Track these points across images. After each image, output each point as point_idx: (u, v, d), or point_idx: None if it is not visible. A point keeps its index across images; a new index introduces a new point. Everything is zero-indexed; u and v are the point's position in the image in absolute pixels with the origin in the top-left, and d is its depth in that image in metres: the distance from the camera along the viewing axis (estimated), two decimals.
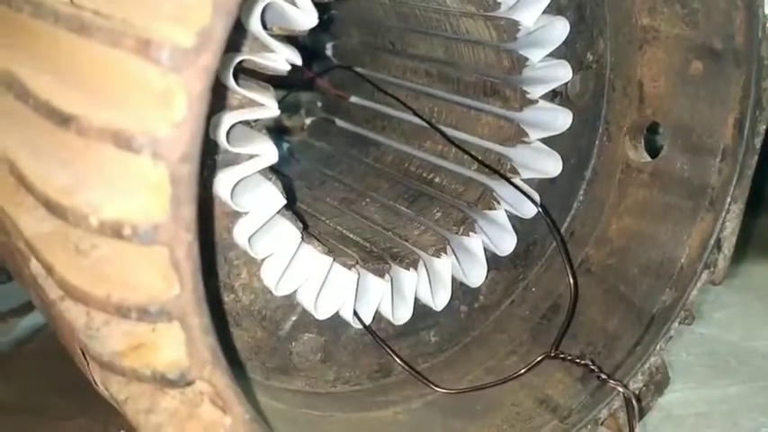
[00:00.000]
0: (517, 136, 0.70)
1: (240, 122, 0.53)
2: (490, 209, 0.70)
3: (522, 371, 0.66)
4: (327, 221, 0.73)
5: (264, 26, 0.51)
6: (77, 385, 0.57)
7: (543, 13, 0.65)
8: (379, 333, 0.66)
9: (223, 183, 0.53)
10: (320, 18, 0.52)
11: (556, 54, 0.69)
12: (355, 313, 0.64)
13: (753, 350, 0.94)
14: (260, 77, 0.56)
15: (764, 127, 0.63)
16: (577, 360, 0.64)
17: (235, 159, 0.54)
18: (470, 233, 0.69)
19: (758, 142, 0.64)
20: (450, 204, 0.73)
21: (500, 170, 0.70)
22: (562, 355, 0.65)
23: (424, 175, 0.77)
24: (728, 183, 0.63)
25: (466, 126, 0.74)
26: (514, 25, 0.65)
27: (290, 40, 0.54)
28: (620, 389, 0.56)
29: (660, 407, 0.71)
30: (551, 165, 0.71)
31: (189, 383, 0.39)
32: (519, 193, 0.69)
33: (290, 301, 0.62)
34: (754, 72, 0.61)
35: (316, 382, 0.65)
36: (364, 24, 0.84)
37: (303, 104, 1.01)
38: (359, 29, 0.86)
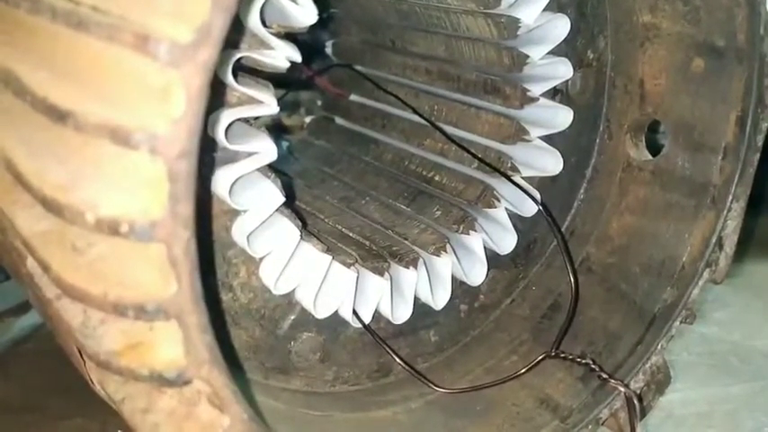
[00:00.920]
0: (518, 134, 0.70)
1: (239, 120, 0.53)
2: (490, 207, 0.70)
3: (523, 371, 0.66)
4: (327, 220, 0.72)
5: (264, 23, 0.51)
6: (75, 385, 0.57)
7: (544, 10, 0.65)
8: (378, 332, 0.66)
9: (221, 180, 0.52)
10: (320, 16, 0.52)
11: (556, 52, 0.68)
12: (354, 312, 0.63)
13: (754, 349, 0.94)
14: (259, 75, 0.55)
15: (766, 124, 0.63)
16: (578, 359, 0.64)
17: (233, 157, 0.53)
18: (470, 232, 0.69)
19: (760, 140, 0.63)
20: (450, 203, 0.72)
21: (500, 168, 0.69)
22: (563, 355, 0.65)
23: (424, 173, 0.77)
24: (730, 181, 0.63)
25: (466, 124, 0.74)
26: (515, 23, 0.65)
27: (290, 37, 0.53)
28: (622, 388, 0.56)
29: (661, 406, 0.71)
30: (552, 163, 0.71)
31: (186, 383, 0.39)
32: (519, 191, 0.68)
33: (288, 300, 0.62)
34: (756, 69, 0.61)
35: (314, 381, 0.65)
36: (364, 22, 0.84)
37: (303, 103, 1.00)
38: (359, 27, 0.85)
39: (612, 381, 0.59)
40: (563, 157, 0.71)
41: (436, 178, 0.75)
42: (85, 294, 0.38)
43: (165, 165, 0.34)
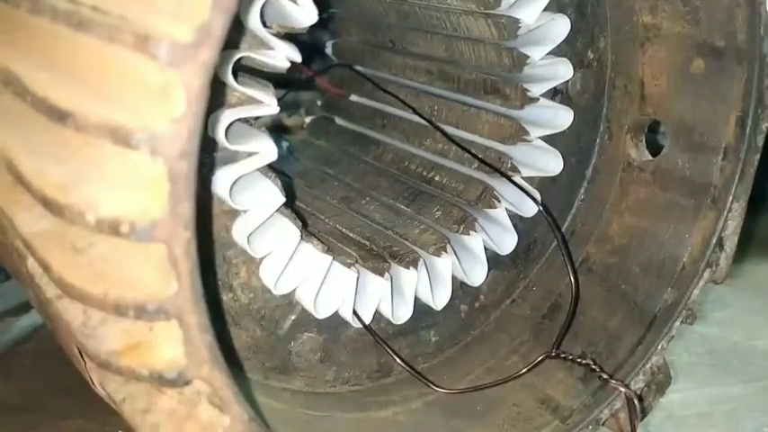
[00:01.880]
0: (518, 134, 0.70)
1: (239, 120, 0.53)
2: (491, 207, 0.70)
3: (524, 371, 0.66)
4: (327, 220, 0.72)
5: (264, 23, 0.51)
6: (75, 385, 0.57)
7: (544, 10, 0.65)
8: (378, 332, 0.66)
9: (222, 180, 0.52)
10: (320, 16, 0.52)
11: (556, 52, 0.68)
12: (355, 312, 0.63)
13: (755, 350, 0.94)
14: (260, 75, 0.55)
15: (766, 125, 0.63)
16: (579, 360, 0.64)
17: (233, 157, 0.53)
18: (471, 232, 0.69)
19: (760, 140, 0.63)
20: (451, 203, 0.72)
21: (500, 169, 0.69)
22: (563, 355, 0.65)
23: (424, 173, 0.77)
24: (730, 181, 0.63)
25: (466, 124, 0.74)
26: (515, 23, 0.65)
27: (290, 37, 0.53)
28: (622, 388, 0.56)
29: (662, 406, 0.71)
30: (552, 163, 0.71)
31: (187, 383, 0.39)
32: (519, 191, 0.68)
33: (289, 300, 0.62)
34: (756, 70, 0.61)
35: (315, 381, 0.65)
36: (364, 23, 0.84)
37: (303, 103, 1.00)
38: (359, 27, 0.85)
39: (613, 381, 0.59)
40: (563, 157, 0.71)
41: (436, 178, 0.75)
42: (86, 294, 0.38)
43: (166, 165, 0.34)
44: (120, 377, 0.41)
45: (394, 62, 0.81)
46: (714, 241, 0.63)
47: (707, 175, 0.65)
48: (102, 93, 0.35)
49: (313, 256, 0.59)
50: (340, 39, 0.89)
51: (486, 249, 0.70)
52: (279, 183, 0.56)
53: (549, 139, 0.71)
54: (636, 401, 0.51)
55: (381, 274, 0.64)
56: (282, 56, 0.52)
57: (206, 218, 0.54)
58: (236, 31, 0.50)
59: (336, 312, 0.62)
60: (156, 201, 0.34)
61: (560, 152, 0.71)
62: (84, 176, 0.36)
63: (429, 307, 0.69)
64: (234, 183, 0.52)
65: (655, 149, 0.71)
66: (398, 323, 0.66)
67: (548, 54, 0.68)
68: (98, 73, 0.36)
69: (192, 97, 0.33)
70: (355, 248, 0.66)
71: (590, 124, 0.73)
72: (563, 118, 0.70)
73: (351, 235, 0.70)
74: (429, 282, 0.67)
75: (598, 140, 0.74)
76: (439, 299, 0.68)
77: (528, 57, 0.67)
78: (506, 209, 0.70)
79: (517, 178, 0.70)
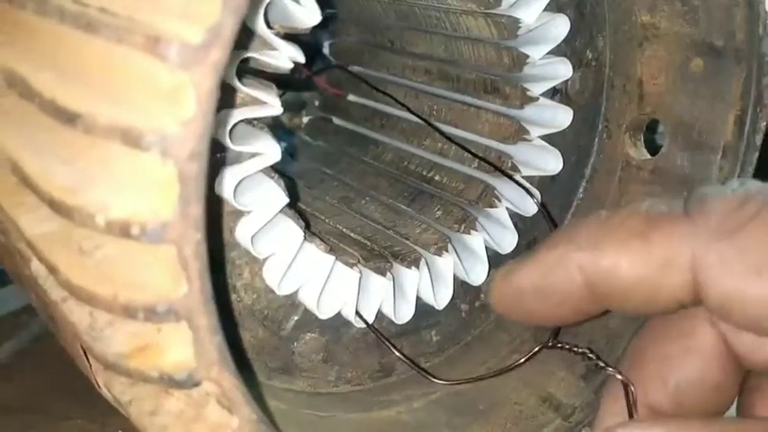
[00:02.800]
0: (518, 133, 0.70)
1: (242, 121, 0.53)
2: (491, 207, 0.70)
3: (522, 360, 0.66)
4: (327, 220, 0.72)
5: (267, 24, 0.51)
6: (75, 386, 0.57)
7: (543, 10, 0.65)
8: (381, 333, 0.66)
9: (226, 181, 0.52)
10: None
11: (556, 52, 0.69)
12: (357, 313, 0.63)
13: None
14: (261, 76, 0.55)
15: (765, 123, 0.64)
16: (575, 349, 0.63)
17: (237, 158, 0.53)
18: (471, 231, 0.69)
19: (759, 139, 0.64)
20: (451, 202, 0.72)
21: (500, 168, 0.70)
22: (560, 345, 0.65)
23: (424, 173, 0.77)
24: (729, 179, 0.63)
25: (466, 124, 0.74)
26: (515, 23, 0.65)
27: (289, 38, 0.53)
28: (619, 376, 0.56)
29: None
30: (552, 162, 0.71)
31: (196, 384, 0.39)
32: (520, 190, 0.69)
33: (291, 301, 0.62)
34: (755, 69, 0.61)
35: (317, 382, 0.65)
36: (363, 22, 0.84)
37: (301, 103, 1.00)
38: (357, 27, 0.85)
39: (610, 369, 0.59)
40: (562, 156, 0.71)
41: (436, 178, 0.75)
42: (94, 296, 0.38)
43: (176, 166, 0.34)
44: (128, 379, 0.41)
45: (393, 62, 0.81)
46: None
47: (706, 173, 0.65)
48: (111, 94, 0.35)
49: (316, 257, 0.59)
50: (338, 39, 0.89)
51: (486, 248, 0.70)
52: (282, 183, 0.56)
53: (547, 139, 0.71)
54: (632, 388, 0.51)
55: (383, 274, 0.64)
56: (286, 56, 0.52)
57: (213, 219, 0.54)
58: (239, 32, 0.50)
59: (339, 313, 0.63)
60: (167, 202, 0.34)
61: (559, 151, 0.71)
62: (93, 178, 0.36)
63: (430, 306, 0.69)
64: (238, 184, 0.52)
65: (653, 148, 0.71)
66: (401, 323, 0.66)
67: (547, 54, 0.68)
68: (107, 74, 0.36)
69: (203, 98, 0.33)
70: (357, 248, 0.66)
71: (589, 123, 0.74)
72: (563, 117, 0.70)
73: (352, 235, 0.70)
74: (431, 281, 0.67)
75: (597, 139, 0.75)
76: (440, 298, 0.68)
77: (528, 56, 0.67)
78: (507, 208, 0.70)
79: (517, 177, 0.70)
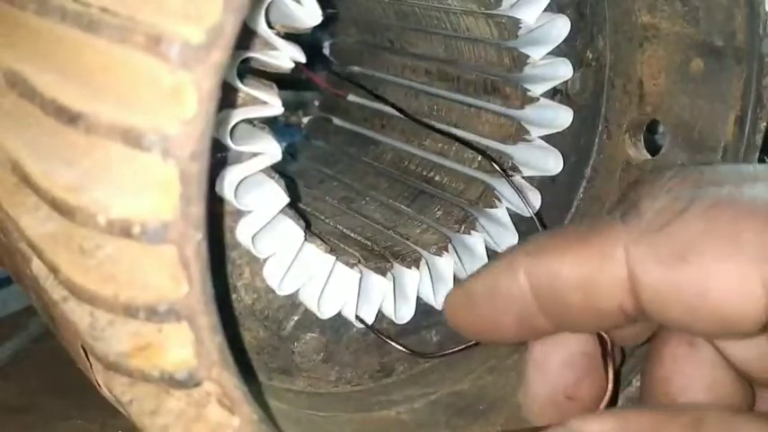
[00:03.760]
0: (518, 134, 0.70)
1: (243, 121, 0.53)
2: (491, 207, 0.70)
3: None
4: (327, 220, 0.72)
5: (268, 24, 0.51)
6: (75, 386, 0.57)
7: (544, 11, 0.65)
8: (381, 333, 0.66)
9: (227, 181, 0.52)
10: None
11: (556, 52, 0.69)
12: (357, 316, 0.63)
13: None
14: (262, 76, 0.55)
15: (764, 124, 0.64)
16: None
17: (238, 158, 0.53)
18: (472, 231, 0.69)
19: (759, 139, 0.64)
20: (451, 203, 0.72)
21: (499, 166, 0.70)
22: None
23: (424, 173, 0.77)
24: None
25: (466, 124, 0.74)
26: (516, 23, 0.65)
27: (289, 38, 0.53)
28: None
29: None
30: (552, 162, 0.71)
31: (197, 384, 0.39)
32: (521, 190, 0.69)
33: (292, 301, 0.62)
34: (755, 69, 0.62)
35: (318, 382, 0.65)
36: (363, 22, 0.84)
37: (300, 103, 1.00)
38: (357, 27, 0.85)
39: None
40: (563, 156, 0.71)
41: (436, 178, 0.75)
42: (95, 296, 0.38)
43: (177, 166, 0.34)
44: (128, 379, 0.41)
45: (393, 62, 0.81)
46: None
47: None
48: (112, 94, 0.35)
49: (316, 257, 0.59)
50: (338, 39, 0.89)
51: (487, 249, 0.70)
52: (282, 183, 0.56)
53: (548, 139, 0.71)
54: (608, 339, 0.51)
55: (384, 274, 0.64)
56: (287, 56, 0.52)
57: (214, 219, 0.54)
58: (240, 32, 0.50)
59: (339, 313, 0.63)
60: (168, 202, 0.34)
61: (560, 152, 0.71)
62: (95, 178, 0.36)
63: (430, 306, 0.69)
64: (238, 184, 0.52)
65: (654, 149, 0.71)
66: (401, 323, 0.66)
67: (547, 54, 0.68)
68: (108, 74, 0.36)
69: (204, 98, 0.34)
70: (357, 248, 0.66)
71: (589, 124, 0.74)
72: (563, 117, 0.70)
73: (352, 235, 0.70)
74: (431, 281, 0.67)
75: (597, 140, 0.75)
76: (441, 298, 0.68)
77: (528, 57, 0.67)
78: (507, 208, 0.70)
79: (517, 178, 0.70)
